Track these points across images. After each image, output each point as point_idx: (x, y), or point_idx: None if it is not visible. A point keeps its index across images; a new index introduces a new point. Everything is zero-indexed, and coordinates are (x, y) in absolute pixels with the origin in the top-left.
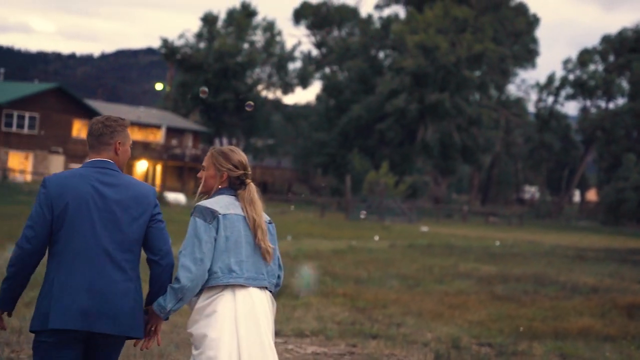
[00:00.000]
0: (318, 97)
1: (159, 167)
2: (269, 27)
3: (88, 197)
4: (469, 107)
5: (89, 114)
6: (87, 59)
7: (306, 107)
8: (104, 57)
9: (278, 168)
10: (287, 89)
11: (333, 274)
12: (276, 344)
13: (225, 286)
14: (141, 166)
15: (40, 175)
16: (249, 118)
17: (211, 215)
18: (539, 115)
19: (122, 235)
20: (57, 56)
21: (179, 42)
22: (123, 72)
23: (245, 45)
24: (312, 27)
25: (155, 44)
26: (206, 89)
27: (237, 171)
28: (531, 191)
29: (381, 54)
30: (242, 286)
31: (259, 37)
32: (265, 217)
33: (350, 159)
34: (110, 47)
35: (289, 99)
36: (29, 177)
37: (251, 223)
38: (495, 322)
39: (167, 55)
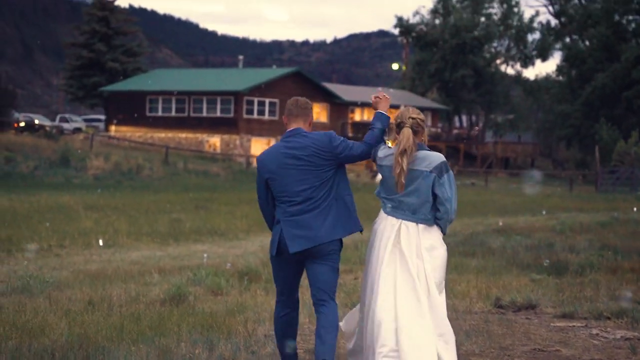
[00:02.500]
0: (559, 68)
1: None
2: None
3: (282, 161)
4: None
5: (327, 97)
6: (320, 45)
7: (546, 80)
8: (337, 42)
9: (519, 143)
10: (527, 61)
11: (611, 247)
12: (575, 327)
13: (384, 213)
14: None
15: None
16: (488, 94)
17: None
18: None
19: (315, 176)
20: (291, 43)
21: (413, 20)
22: (356, 56)
23: (482, 19)
24: None
25: (386, 26)
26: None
27: (397, 121)
28: None
29: (625, 20)
30: (392, 216)
31: (495, 10)
32: (427, 165)
33: (596, 130)
34: (342, 32)
35: (529, 72)
36: None
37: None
38: None
39: (403, 33)
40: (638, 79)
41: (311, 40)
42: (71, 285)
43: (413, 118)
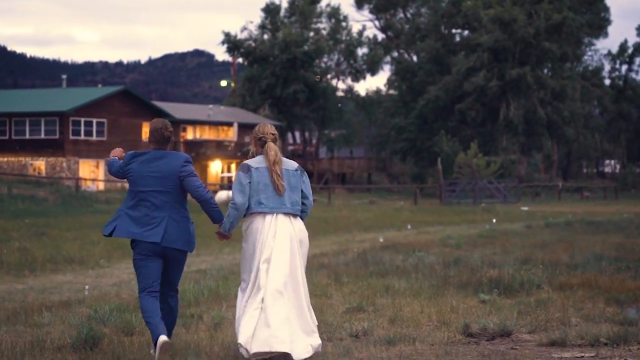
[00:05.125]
0: (389, 81)
1: (233, 165)
2: (334, 13)
3: (146, 168)
4: (552, 80)
5: (157, 115)
6: (135, 66)
7: (378, 94)
8: (151, 62)
9: (355, 158)
10: (357, 76)
11: (532, 261)
12: (584, 358)
13: (258, 213)
14: (215, 166)
15: (112, 183)
16: (321, 109)
17: (246, 168)
18: (614, 85)
19: (165, 185)
20: (104, 65)
21: (241, 36)
22: (172, 76)
23: (311, 34)
24: (376, 11)
25: (201, 45)
26: None
27: (258, 136)
28: (611, 164)
29: (451, 33)
30: (270, 213)
31: (324, 25)
32: (292, 166)
33: (434, 142)
34: (156, 53)
35: (360, 87)
36: (101, 186)
37: (268, 170)
38: None
39: (231, 49)
40: (470, 91)
41: (125, 61)
42: None
43: (272, 134)
